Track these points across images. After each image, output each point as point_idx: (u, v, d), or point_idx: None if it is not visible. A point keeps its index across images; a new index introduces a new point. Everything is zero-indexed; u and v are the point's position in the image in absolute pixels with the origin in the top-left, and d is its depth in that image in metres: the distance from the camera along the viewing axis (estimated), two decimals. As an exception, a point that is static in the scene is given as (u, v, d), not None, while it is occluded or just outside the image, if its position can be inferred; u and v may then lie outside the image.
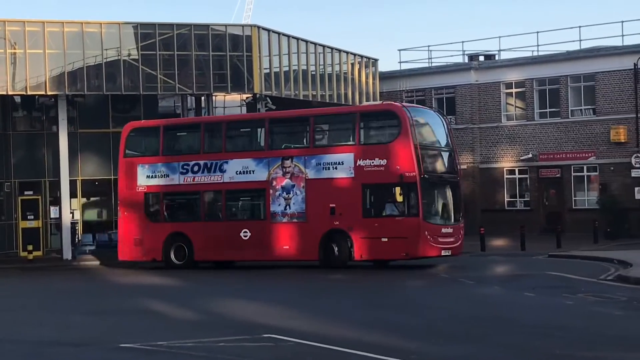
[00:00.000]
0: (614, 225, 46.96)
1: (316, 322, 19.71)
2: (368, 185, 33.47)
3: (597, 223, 44.80)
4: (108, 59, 44.30)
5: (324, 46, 52.06)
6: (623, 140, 47.98)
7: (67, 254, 43.53)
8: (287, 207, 34.77)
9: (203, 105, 52.45)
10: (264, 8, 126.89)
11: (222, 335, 17.70)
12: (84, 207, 48.31)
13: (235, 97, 54.04)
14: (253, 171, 35.66)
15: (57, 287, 31.86)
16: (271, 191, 35.12)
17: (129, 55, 44.50)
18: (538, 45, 54.18)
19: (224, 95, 52.92)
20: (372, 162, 33.32)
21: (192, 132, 39.71)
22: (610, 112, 48.96)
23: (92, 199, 49.04)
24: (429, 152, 34.52)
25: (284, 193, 34.84)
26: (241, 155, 36.56)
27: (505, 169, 53.60)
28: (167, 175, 37.33)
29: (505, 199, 53.85)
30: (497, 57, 56.29)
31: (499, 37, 61.52)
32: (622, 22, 50.15)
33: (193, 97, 51.63)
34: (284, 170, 34.96)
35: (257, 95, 46.90)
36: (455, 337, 17.40)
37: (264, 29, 47.85)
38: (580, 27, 52.32)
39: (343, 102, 52.88)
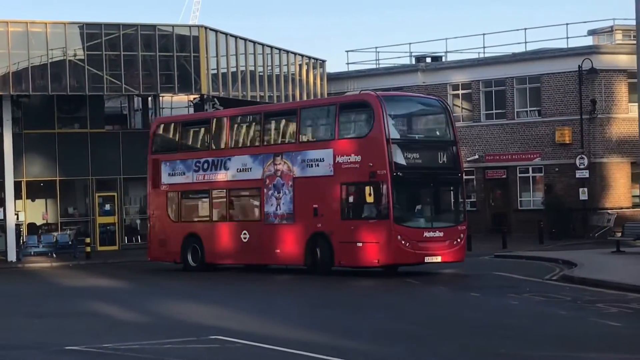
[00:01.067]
0: (559, 225, 47.32)
1: (265, 324, 19.57)
2: (346, 184, 30.20)
3: (542, 223, 45.14)
4: (53, 59, 43.92)
5: (271, 47, 51.95)
6: (568, 142, 48.27)
7: (12, 256, 43.07)
8: (278, 207, 32.06)
9: (150, 106, 52.35)
10: (212, 9, 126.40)
11: (169, 337, 17.56)
12: (29, 209, 47.70)
13: (182, 98, 53.89)
14: (250, 169, 33.32)
15: None
16: (265, 190, 32.50)
17: (75, 55, 44.13)
18: (484, 47, 54.42)
19: (171, 96, 52.86)
20: (349, 159, 30.01)
21: (204, 128, 36.79)
22: (555, 114, 49.27)
23: (37, 200, 48.43)
24: (411, 146, 30.76)
25: (276, 192, 32.12)
26: (241, 152, 34.07)
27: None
28: (184, 173, 35.42)
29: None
30: (443, 59, 56.55)
31: (446, 39, 62.39)
32: (567, 24, 50.56)
33: (140, 98, 51.45)
34: (275, 167, 32.20)
35: (205, 96, 46.82)
36: (399, 338, 17.35)
37: (211, 29, 47.79)
38: (525, 29, 52.69)
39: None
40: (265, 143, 33.71)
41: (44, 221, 47.74)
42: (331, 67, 57.11)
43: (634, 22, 33.27)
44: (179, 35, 46.91)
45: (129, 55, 45.20)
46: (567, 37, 50.83)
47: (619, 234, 37.82)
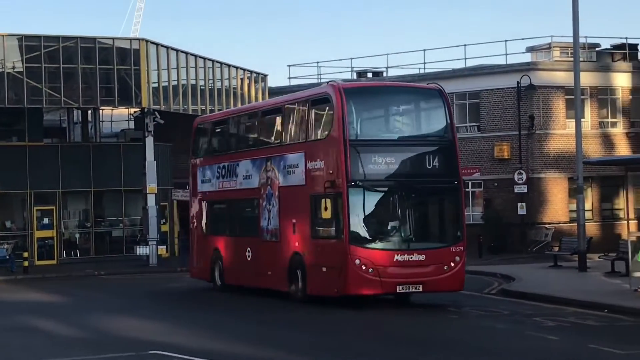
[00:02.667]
0: (498, 240, 47.58)
1: (203, 338, 19.57)
2: (314, 196, 23.96)
3: (481, 238, 45.33)
4: (-9, 71, 43.45)
5: (213, 61, 51.78)
6: (506, 157, 48.54)
7: (-52, 269, 42.40)
8: (269, 221, 26.35)
9: (90, 119, 52.01)
10: (153, 23, 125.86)
11: (108, 352, 17.48)
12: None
13: (123, 111, 53.59)
14: (250, 176, 27.58)
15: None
16: (260, 201, 26.90)
17: (13, 67, 43.75)
18: (425, 63, 54.48)
19: (112, 109, 52.50)
20: (315, 165, 23.89)
21: (224, 128, 30.92)
22: (494, 129, 49.52)
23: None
24: (383, 149, 23.71)
25: (267, 204, 26.37)
26: (245, 156, 28.26)
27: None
28: (210, 180, 30.32)
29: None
30: (384, 74, 56.66)
31: (387, 54, 62.02)
32: (506, 41, 50.88)
33: (79, 111, 51.08)
34: (267, 175, 26.49)
35: (146, 110, 46.40)
36: (337, 351, 17.53)
37: (152, 42, 47.35)
38: (465, 45, 52.93)
39: (231, 117, 52.87)
40: (260, 146, 27.83)
41: (-19, 235, 47.16)
42: (274, 82, 57.06)
43: (571, 39, 33.63)
44: (120, 48, 46.51)
45: (68, 68, 44.73)
46: (506, 54, 51.03)
47: (557, 249, 38.20)
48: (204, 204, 30.76)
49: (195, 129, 32.26)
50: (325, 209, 23.16)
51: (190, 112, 49.36)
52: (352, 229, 22.62)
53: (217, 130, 30.94)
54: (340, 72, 60.19)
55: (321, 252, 23.61)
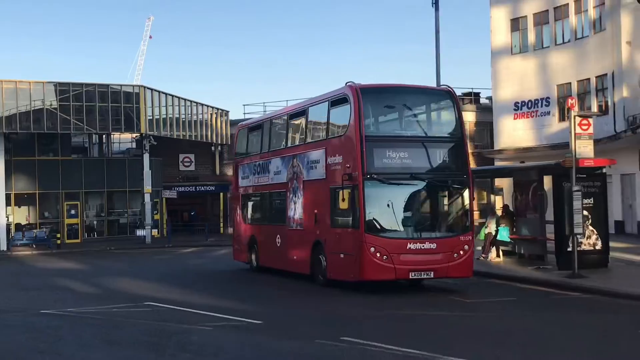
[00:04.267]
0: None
1: (187, 296, 19.44)
2: (333, 188, 19.36)
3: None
4: (35, 107, 43.31)
5: (190, 101, 51.88)
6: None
7: (3, 246, 42.15)
8: (295, 211, 21.79)
9: (104, 141, 51.85)
10: (151, 70, 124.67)
11: (115, 303, 17.38)
12: (16, 213, 46.56)
13: (127, 136, 53.53)
14: (280, 172, 22.97)
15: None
16: (288, 193, 22.30)
17: (51, 104, 43.52)
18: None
19: (119, 134, 52.37)
20: (335, 160, 19.43)
21: (261, 131, 25.50)
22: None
23: (22, 206, 47.23)
24: (397, 145, 18.97)
25: (294, 196, 21.91)
26: (276, 155, 23.57)
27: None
28: (248, 177, 25.75)
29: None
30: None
31: (310, 98, 61.85)
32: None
33: (97, 135, 50.84)
34: (293, 170, 21.91)
35: (143, 135, 46.52)
36: (275, 302, 17.46)
37: (148, 88, 47.68)
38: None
39: (205, 141, 52.89)
40: (288, 145, 22.99)
41: (27, 222, 46.62)
42: (235, 115, 56.99)
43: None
44: (125, 92, 46.45)
45: (89, 105, 44.70)
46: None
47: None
48: (243, 197, 26.28)
49: (237, 134, 27.74)
50: (343, 200, 18.62)
51: (175, 137, 49.71)
52: (367, 218, 18.05)
53: (254, 133, 25.96)
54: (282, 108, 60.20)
55: (339, 240, 19.06)
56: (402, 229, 18.44)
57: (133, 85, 50.35)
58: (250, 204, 25.88)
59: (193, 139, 51.89)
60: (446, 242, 18.49)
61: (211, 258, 32.92)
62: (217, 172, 55.34)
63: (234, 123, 55.92)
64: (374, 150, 18.32)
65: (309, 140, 21.38)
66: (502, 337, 12.71)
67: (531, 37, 40.78)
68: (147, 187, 45.52)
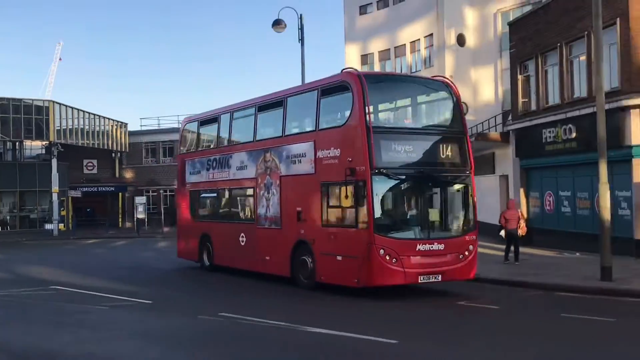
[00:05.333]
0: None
1: (88, 280, 18.69)
2: (326, 184, 14.75)
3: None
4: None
5: (94, 114, 50.11)
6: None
7: None
8: (268, 209, 16.90)
9: (17, 147, 49.49)
10: (63, 83, 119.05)
11: (25, 287, 16.55)
12: None
13: (38, 143, 51.08)
14: (246, 166, 17.97)
15: None
16: (257, 190, 17.34)
17: (-33, 115, 40.91)
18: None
19: (31, 142, 49.93)
20: (328, 153, 14.72)
21: (214, 125, 20.11)
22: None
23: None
24: (402, 137, 14.34)
25: (266, 192, 16.99)
26: (239, 149, 18.45)
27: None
28: (200, 172, 20.40)
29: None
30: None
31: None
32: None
33: (10, 142, 48.32)
34: (266, 165, 16.99)
35: (52, 142, 44.64)
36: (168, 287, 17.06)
37: (57, 102, 45.87)
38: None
39: (106, 148, 51.26)
40: (258, 138, 17.62)
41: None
42: (132, 126, 55.45)
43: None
44: (37, 105, 44.63)
45: (3, 116, 42.76)
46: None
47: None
48: (192, 193, 20.93)
49: (183, 129, 22.12)
50: (346, 196, 13.72)
51: (80, 145, 47.94)
52: (376, 217, 13.40)
53: (207, 127, 20.63)
54: (171, 123, 59.33)
55: (335, 241, 14.28)
56: (411, 228, 14.03)
57: (43, 100, 48.08)
58: (201, 200, 20.65)
59: (96, 146, 50.22)
60: (454, 243, 14.12)
61: (110, 248, 31.90)
62: (117, 175, 54.17)
63: (132, 133, 54.56)
64: (381, 142, 13.68)
65: (289, 132, 16.37)
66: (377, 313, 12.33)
67: (377, 70, 41.90)
68: (55, 188, 43.66)
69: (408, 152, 14.11)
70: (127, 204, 52.88)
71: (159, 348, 9.27)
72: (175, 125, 56.03)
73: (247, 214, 18.18)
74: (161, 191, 49.23)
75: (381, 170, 13.53)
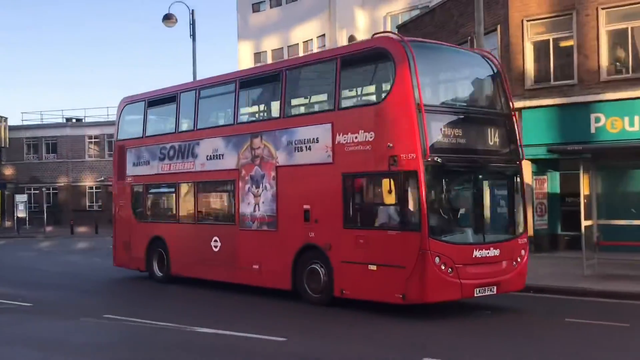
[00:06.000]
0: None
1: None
2: (351, 176, 11.64)
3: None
4: None
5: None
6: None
7: None
8: (257, 207, 13.66)
9: None
10: None
11: None
12: None
13: None
14: (222, 155, 14.49)
15: None
16: (240, 184, 13.96)
17: None
18: (108, 113, 52.84)
19: None
20: (355, 138, 11.48)
21: (171, 106, 16.29)
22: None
23: None
24: (453, 120, 11.33)
25: (254, 187, 13.70)
26: (211, 134, 14.92)
27: (87, 185, 51.41)
28: (149, 162, 16.65)
29: (87, 204, 51.52)
30: (83, 120, 54.04)
31: (85, 108, 59.30)
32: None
33: None
34: (254, 153, 13.67)
35: None
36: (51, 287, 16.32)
37: None
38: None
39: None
40: (240, 121, 14.34)
41: None
42: (13, 121, 52.78)
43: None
44: None
45: None
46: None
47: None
48: (137, 188, 16.99)
49: (122, 110, 17.89)
50: (389, 191, 10.74)
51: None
52: (430, 217, 10.51)
53: (159, 108, 16.86)
54: (55, 118, 56.93)
55: (367, 246, 11.20)
56: (466, 231, 11.29)
57: None
58: (151, 197, 16.92)
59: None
60: (508, 247, 11.49)
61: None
62: (-4, 171, 51.17)
63: (13, 128, 51.83)
64: (433, 124, 10.76)
65: (292, 113, 13.33)
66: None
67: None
68: None
69: (458, 137, 11.15)
70: (7, 202, 50.21)
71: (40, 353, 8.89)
72: (60, 121, 53.81)
73: (223, 213, 14.78)
74: (44, 189, 47.09)
75: (435, 159, 10.58)
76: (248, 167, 13.75)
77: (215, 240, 14.62)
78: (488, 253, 11.09)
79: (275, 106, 13.81)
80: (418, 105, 10.65)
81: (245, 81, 14.40)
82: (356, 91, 12.83)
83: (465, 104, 12.13)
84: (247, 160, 13.76)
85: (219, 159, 14.54)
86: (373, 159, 11.12)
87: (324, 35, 38.42)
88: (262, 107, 14.92)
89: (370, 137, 11.26)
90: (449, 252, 10.56)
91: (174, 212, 16.02)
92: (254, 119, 14.82)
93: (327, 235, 11.96)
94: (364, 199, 11.60)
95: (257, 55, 42.50)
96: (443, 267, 10.53)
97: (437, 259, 10.48)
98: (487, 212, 11.73)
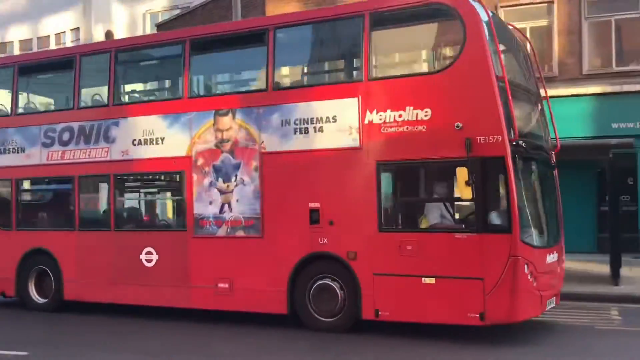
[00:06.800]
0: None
1: None
2: (392, 165, 8.66)
3: None
4: None
5: None
6: None
7: None
8: (226, 206, 9.76)
9: None
10: None
11: None
12: None
13: None
14: (162, 139, 10.26)
15: None
16: (195, 176, 9.99)
17: None
18: None
19: None
20: (399, 116, 8.43)
21: (63, 74, 11.52)
22: None
23: None
24: (522, 98, 8.95)
25: (220, 180, 9.81)
26: (142, 110, 10.60)
27: None
28: (23, 150, 11.64)
29: None
30: None
31: None
32: None
33: None
34: (219, 136, 9.78)
35: None
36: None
37: None
38: None
39: None
40: (193, 94, 10.31)
41: None
42: None
43: None
44: None
45: None
46: None
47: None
48: (2, 184, 12.22)
49: None
50: (468, 182, 7.95)
51: None
52: (521, 217, 8.06)
53: (42, 76, 12.47)
54: None
55: (420, 254, 8.41)
56: (536, 231, 8.87)
57: None
58: (28, 195, 12.51)
59: None
60: (560, 250, 9.52)
61: None
62: None
63: None
64: (510, 102, 8.23)
65: (289, 82, 10.64)
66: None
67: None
68: None
69: (520, 119, 8.74)
70: None
71: None
72: None
73: (163, 216, 11.64)
74: None
75: (520, 143, 8.28)
76: (208, 154, 9.87)
77: (149, 252, 10.42)
78: (553, 258, 9.01)
79: (256, 75, 10.33)
80: (502, 77, 8.19)
81: (202, 42, 10.30)
82: (397, 56, 10.16)
83: (521, 83, 9.51)
84: (207, 145, 9.86)
85: (155, 144, 10.31)
86: (429, 143, 8.35)
87: (78, 28, 36.49)
88: (231, 76, 11.46)
89: (425, 115, 8.39)
90: (532, 257, 8.21)
91: (70, 216, 11.26)
92: (218, 92, 11.10)
93: (349, 241, 8.88)
94: (413, 193, 8.96)
95: (2, 46, 39.12)
96: (530, 277, 8.10)
97: (525, 266, 8.00)
98: (547, 209, 9.47)
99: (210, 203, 9.89)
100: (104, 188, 11.24)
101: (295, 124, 9.26)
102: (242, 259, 9.67)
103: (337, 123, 8.96)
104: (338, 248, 8.94)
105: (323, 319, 9.12)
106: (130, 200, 11.55)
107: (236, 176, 9.72)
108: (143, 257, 10.51)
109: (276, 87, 9.56)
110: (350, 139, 8.84)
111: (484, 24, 8.25)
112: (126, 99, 11.40)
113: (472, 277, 8.03)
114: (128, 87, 11.72)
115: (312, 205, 9.11)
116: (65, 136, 11.24)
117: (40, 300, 11.62)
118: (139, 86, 12.20)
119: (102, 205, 11.41)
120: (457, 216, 8.57)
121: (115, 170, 10.79)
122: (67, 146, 11.20)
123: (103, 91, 11.22)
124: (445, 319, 8.34)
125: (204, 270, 9.93)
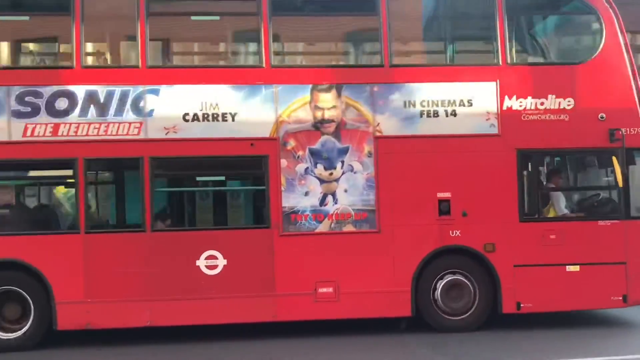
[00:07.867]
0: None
1: None
2: (533, 153, 8.45)
3: None
4: None
5: None
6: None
7: None
8: (329, 197, 8.04)
9: None
10: None
11: None
12: None
13: None
14: (233, 115, 7.84)
15: None
16: (284, 162, 7.98)
17: None
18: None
19: None
20: (541, 103, 8.28)
21: (60, 18, 7.88)
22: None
23: None
24: None
25: (319, 166, 8.05)
26: (200, 75, 8.04)
27: None
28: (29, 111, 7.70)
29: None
30: None
31: None
32: None
33: None
34: (320, 115, 8.06)
35: None
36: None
37: None
38: None
39: None
40: (276, 63, 8.28)
41: None
42: None
43: None
44: None
45: None
46: None
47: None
48: None
49: None
50: (621, 172, 8.39)
51: None
52: None
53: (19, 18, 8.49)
54: None
55: (564, 243, 8.39)
56: None
57: None
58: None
59: None
60: None
61: None
62: None
63: None
64: None
65: (411, 61, 9.49)
66: None
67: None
68: None
69: None
70: None
71: None
72: None
73: (231, 210, 9.32)
74: None
75: None
76: (303, 136, 8.25)
77: (211, 257, 8.05)
78: None
79: (370, 47, 9.27)
80: (634, 71, 8.58)
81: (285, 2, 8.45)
82: (539, 44, 9.80)
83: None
84: (302, 125, 8.21)
85: (221, 120, 8.06)
86: (571, 133, 8.47)
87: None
88: (336, 45, 9.82)
89: (568, 105, 8.50)
90: None
91: (70, 214, 8.74)
92: (319, 63, 9.39)
93: (487, 233, 8.44)
94: (555, 182, 8.94)
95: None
96: None
97: None
98: None
99: (307, 194, 8.22)
100: (130, 175, 8.53)
101: (420, 105, 8.34)
102: (352, 258, 8.23)
103: (471, 107, 8.41)
104: (473, 241, 8.39)
105: (450, 318, 8.50)
106: (178, 192, 9.02)
107: (342, 162, 8.29)
108: (202, 263, 8.06)
109: (392, 64, 8.37)
110: (488, 125, 8.43)
111: (618, 19, 8.60)
112: (168, 61, 9.09)
113: (616, 262, 8.39)
114: (177, 47, 9.43)
115: (441, 195, 8.36)
116: (61, 104, 7.88)
117: (16, 334, 7.83)
118: (190, 45, 9.91)
119: (128, 198, 8.73)
120: (604, 204, 8.76)
121: (153, 152, 7.91)
122: (63, 118, 7.83)
123: (135, 48, 8.09)
124: (589, 305, 8.58)
125: (297, 274, 8.16)
